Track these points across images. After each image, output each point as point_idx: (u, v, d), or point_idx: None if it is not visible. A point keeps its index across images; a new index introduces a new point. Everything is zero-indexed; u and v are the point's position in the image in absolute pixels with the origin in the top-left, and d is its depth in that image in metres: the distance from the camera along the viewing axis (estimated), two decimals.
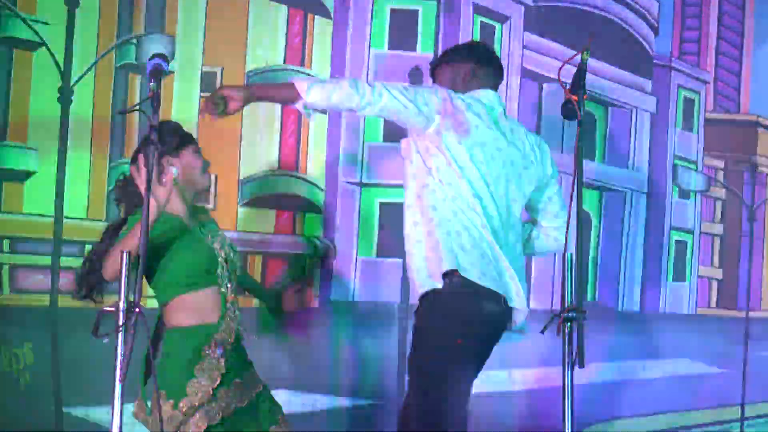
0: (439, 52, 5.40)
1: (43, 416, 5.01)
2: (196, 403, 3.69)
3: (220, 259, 3.83)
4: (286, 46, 5.42)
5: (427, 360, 3.83)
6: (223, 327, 3.78)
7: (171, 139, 3.89)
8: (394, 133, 5.42)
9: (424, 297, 3.85)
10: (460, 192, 3.78)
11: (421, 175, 3.87)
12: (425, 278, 3.82)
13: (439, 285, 3.76)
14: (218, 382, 3.71)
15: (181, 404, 3.69)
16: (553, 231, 4.10)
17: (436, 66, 4.12)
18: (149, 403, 3.74)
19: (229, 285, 3.85)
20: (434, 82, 4.09)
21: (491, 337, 3.87)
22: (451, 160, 3.77)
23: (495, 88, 4.05)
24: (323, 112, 4.13)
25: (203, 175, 3.92)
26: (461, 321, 3.77)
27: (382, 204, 5.42)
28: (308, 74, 5.42)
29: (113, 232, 3.90)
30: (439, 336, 3.81)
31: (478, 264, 3.75)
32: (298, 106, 3.73)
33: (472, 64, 4.00)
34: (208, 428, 3.71)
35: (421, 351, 3.84)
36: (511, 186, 3.89)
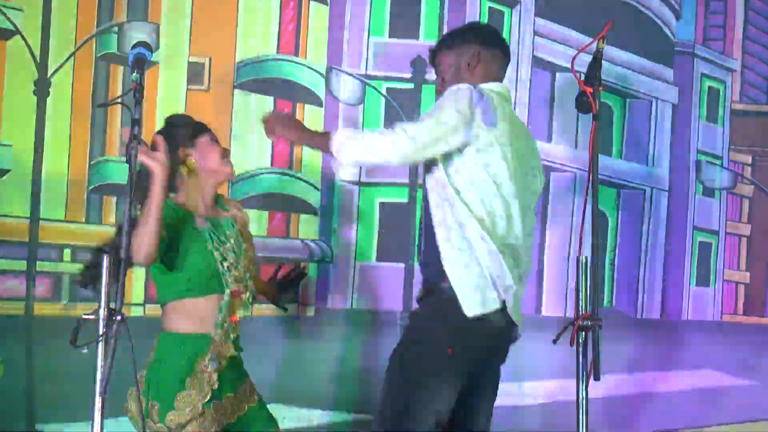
0: None
1: None
2: (184, 420, 3.72)
3: (223, 267, 3.86)
4: (279, 34, 5.43)
5: (412, 362, 3.84)
6: (220, 338, 3.80)
7: (184, 129, 3.92)
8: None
9: (428, 297, 3.87)
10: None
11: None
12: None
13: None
14: (208, 398, 3.74)
15: (168, 417, 3.71)
16: None
17: (436, 52, 4.11)
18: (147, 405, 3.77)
19: (234, 290, 3.87)
20: (436, 70, 4.09)
21: (491, 352, 3.88)
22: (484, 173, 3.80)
23: (503, 73, 4.06)
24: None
25: (223, 162, 3.94)
26: (460, 329, 3.77)
27: (382, 204, 5.43)
28: (302, 64, 5.43)
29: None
30: (431, 340, 3.83)
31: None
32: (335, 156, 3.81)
33: (476, 47, 3.97)
34: None
35: (409, 351, 3.86)
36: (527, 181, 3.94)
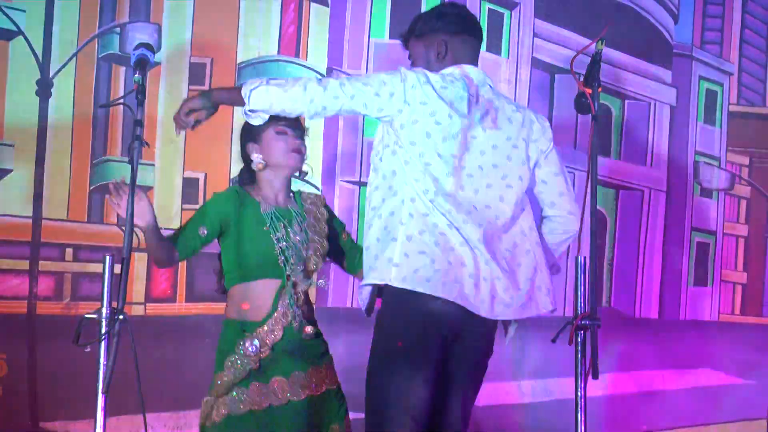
0: None
1: (18, 431, 5.02)
2: (214, 396, 3.82)
3: (278, 250, 3.88)
4: (280, 35, 5.43)
5: (372, 361, 3.82)
6: (270, 324, 3.85)
7: (248, 123, 3.93)
8: None
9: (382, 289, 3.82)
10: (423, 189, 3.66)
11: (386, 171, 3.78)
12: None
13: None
14: (242, 378, 3.81)
15: (209, 395, 3.85)
16: (556, 221, 3.97)
17: (407, 39, 4.05)
18: None
19: (294, 278, 3.91)
20: (409, 57, 4.04)
21: (447, 341, 3.71)
22: (414, 155, 3.68)
23: (476, 54, 3.96)
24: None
25: (289, 156, 3.96)
26: (404, 320, 3.69)
27: None
28: (303, 65, 5.43)
29: None
30: (382, 335, 3.79)
31: (425, 269, 3.65)
32: (241, 111, 3.74)
33: (444, 36, 3.88)
34: (231, 417, 3.81)
35: (372, 350, 3.83)
36: (497, 174, 3.80)
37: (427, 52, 3.95)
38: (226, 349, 3.84)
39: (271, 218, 3.92)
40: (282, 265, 3.87)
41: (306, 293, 3.95)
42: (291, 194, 4.06)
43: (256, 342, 3.83)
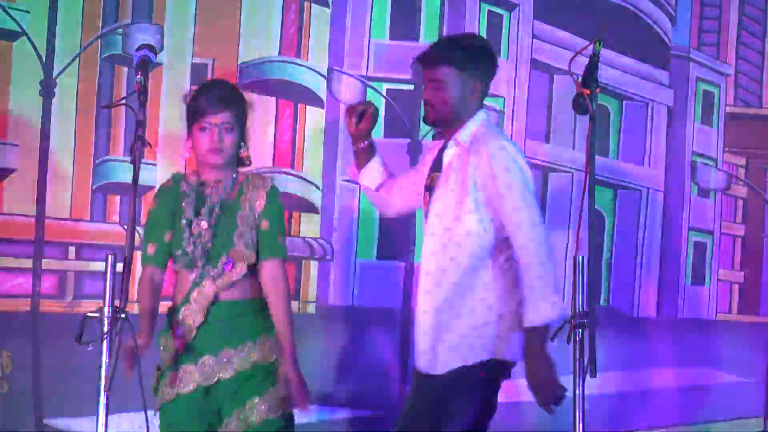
0: None
1: (22, 427, 5.02)
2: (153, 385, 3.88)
3: (185, 235, 3.87)
4: (281, 35, 5.43)
5: None
6: (187, 308, 3.87)
7: (194, 105, 3.93)
8: (396, 128, 5.45)
9: None
10: None
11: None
12: None
13: None
14: (174, 360, 3.84)
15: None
16: None
17: (435, 62, 4.02)
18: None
19: (203, 266, 3.87)
20: (431, 74, 4.01)
21: None
22: None
23: None
24: None
25: (207, 154, 3.88)
26: None
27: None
28: (303, 65, 5.43)
29: None
30: None
31: None
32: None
33: (486, 78, 3.95)
34: (181, 396, 3.84)
35: None
36: None
37: (464, 86, 3.92)
38: (162, 332, 3.92)
39: (187, 200, 3.91)
40: (186, 247, 3.90)
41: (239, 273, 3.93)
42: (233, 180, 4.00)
43: (181, 326, 3.87)
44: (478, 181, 3.85)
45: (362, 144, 4.18)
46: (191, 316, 3.91)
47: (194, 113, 3.88)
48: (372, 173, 4.24)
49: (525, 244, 3.80)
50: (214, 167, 3.91)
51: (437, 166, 4.00)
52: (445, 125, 3.97)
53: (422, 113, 4.02)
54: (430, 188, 4.03)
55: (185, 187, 3.90)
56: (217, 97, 3.85)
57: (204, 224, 3.90)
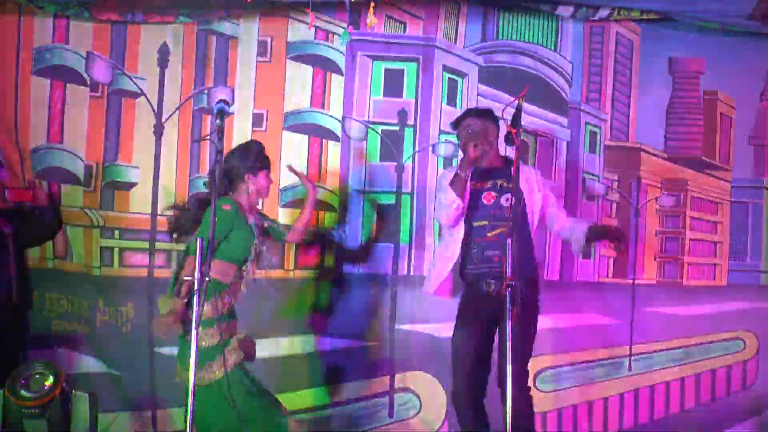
0: (419, 100, 5.40)
1: (139, 355, 5.02)
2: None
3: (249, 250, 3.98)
4: (312, 94, 5.43)
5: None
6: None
7: (254, 159, 4.04)
8: (387, 155, 5.44)
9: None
10: None
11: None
12: None
13: None
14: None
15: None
16: None
17: (483, 119, 4.24)
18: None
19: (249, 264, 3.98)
20: (478, 129, 4.22)
21: None
22: None
23: None
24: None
25: (268, 191, 4.16)
26: None
27: (378, 204, 5.42)
28: (326, 114, 5.41)
29: (198, 202, 4.06)
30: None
31: None
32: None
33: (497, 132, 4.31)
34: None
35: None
36: None
37: (494, 136, 4.35)
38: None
39: (251, 228, 4.01)
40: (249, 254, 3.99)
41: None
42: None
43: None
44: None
45: (466, 174, 4.20)
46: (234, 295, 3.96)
47: (264, 162, 3.92)
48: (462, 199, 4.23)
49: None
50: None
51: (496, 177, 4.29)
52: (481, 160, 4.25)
53: (473, 155, 4.25)
54: (495, 188, 4.28)
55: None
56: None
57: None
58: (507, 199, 4.17)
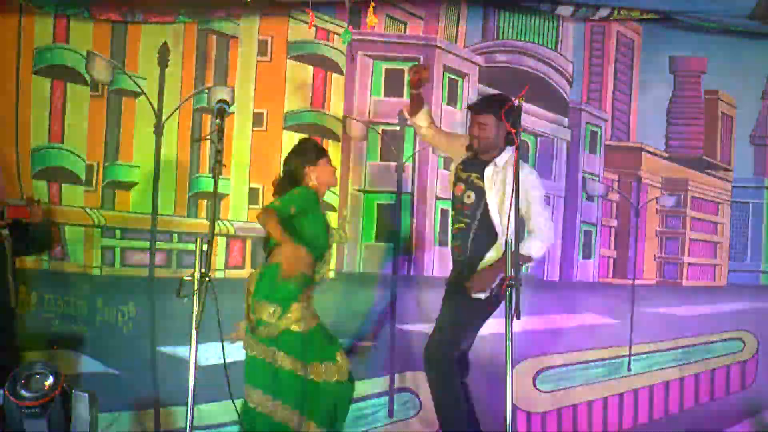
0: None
1: (140, 353, 5.02)
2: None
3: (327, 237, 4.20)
4: (312, 93, 5.42)
5: None
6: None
7: (312, 152, 4.17)
8: (387, 155, 5.43)
9: None
10: None
11: None
12: None
13: None
14: None
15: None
16: None
17: (482, 111, 4.17)
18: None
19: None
20: (479, 120, 4.12)
21: None
22: None
23: None
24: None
25: (333, 179, 4.29)
26: None
27: (378, 205, 5.41)
28: (327, 114, 5.40)
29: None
30: None
31: None
32: None
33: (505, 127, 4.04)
34: None
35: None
36: None
37: (497, 131, 4.19)
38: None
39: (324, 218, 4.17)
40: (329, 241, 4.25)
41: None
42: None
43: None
44: (507, 190, 4.07)
45: (416, 91, 4.27)
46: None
47: (320, 152, 4.15)
48: (422, 116, 4.37)
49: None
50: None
51: (472, 170, 4.22)
52: (483, 152, 4.14)
53: (469, 142, 4.24)
54: (466, 182, 4.21)
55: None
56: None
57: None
58: (469, 196, 4.17)
